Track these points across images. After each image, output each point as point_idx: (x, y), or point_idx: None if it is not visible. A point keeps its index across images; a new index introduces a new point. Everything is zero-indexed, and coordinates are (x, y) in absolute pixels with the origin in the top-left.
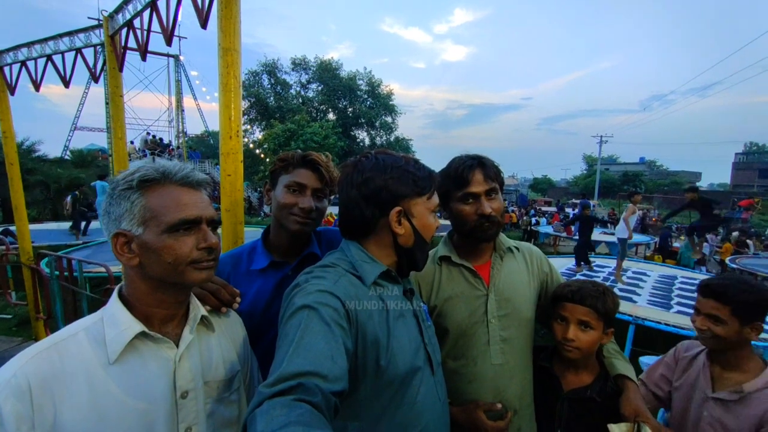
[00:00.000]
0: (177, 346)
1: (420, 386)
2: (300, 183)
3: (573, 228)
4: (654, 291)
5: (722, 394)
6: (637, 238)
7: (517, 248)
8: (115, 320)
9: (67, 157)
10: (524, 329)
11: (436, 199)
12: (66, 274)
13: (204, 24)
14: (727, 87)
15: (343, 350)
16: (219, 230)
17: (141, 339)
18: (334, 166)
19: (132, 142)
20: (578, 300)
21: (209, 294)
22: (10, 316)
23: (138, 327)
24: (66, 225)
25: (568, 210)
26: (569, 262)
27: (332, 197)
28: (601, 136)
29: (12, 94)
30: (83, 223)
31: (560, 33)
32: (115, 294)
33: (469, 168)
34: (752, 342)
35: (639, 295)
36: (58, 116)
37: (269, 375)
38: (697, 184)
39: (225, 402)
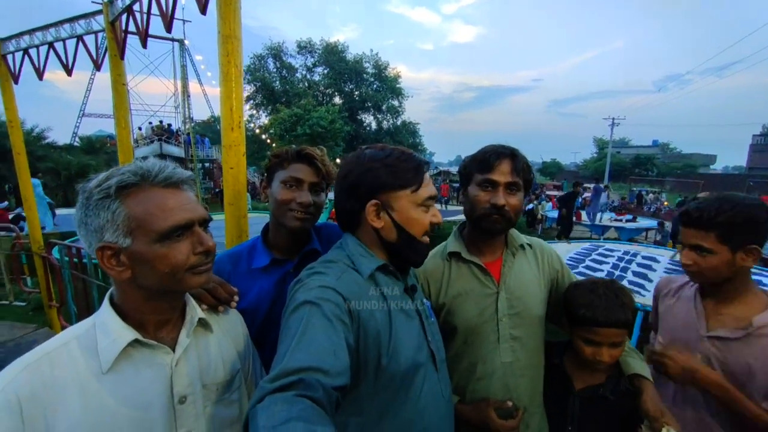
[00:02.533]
0: (173, 350)
1: (423, 383)
2: (296, 178)
3: (582, 213)
4: (665, 275)
5: (722, 331)
6: (647, 223)
7: (529, 245)
8: (106, 328)
9: (76, 143)
10: (535, 327)
11: (424, 192)
12: (76, 261)
13: (203, 10)
14: (748, 66)
15: (345, 345)
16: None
17: (135, 346)
18: (331, 158)
19: (140, 128)
20: (612, 324)
21: (206, 293)
22: (24, 304)
23: (130, 335)
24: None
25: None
26: (576, 247)
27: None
28: (613, 119)
29: (16, 83)
30: None
31: (572, 11)
32: (106, 300)
33: (498, 155)
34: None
35: (650, 281)
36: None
37: (271, 370)
38: (712, 166)
39: (225, 403)
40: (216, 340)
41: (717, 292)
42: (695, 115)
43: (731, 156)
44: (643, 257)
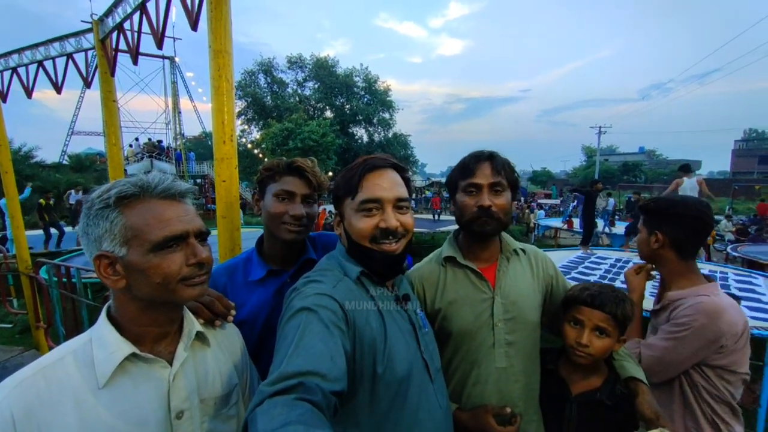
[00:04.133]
0: (171, 364)
1: (419, 393)
2: (288, 191)
3: (575, 222)
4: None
5: (655, 306)
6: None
7: (523, 251)
8: (103, 342)
9: (65, 162)
10: (530, 333)
11: (360, 196)
12: (65, 280)
13: (194, 26)
14: (727, 74)
15: (342, 351)
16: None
17: (132, 360)
18: (323, 171)
19: (131, 145)
20: (598, 305)
21: (203, 307)
22: (11, 325)
23: (127, 349)
24: (67, 230)
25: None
26: (570, 255)
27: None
28: (600, 127)
29: (4, 101)
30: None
31: (558, 23)
32: (103, 313)
33: (477, 159)
34: None
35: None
36: (54, 121)
37: (269, 375)
38: (698, 172)
39: (223, 418)
40: (213, 354)
41: (663, 278)
42: (679, 122)
43: (716, 161)
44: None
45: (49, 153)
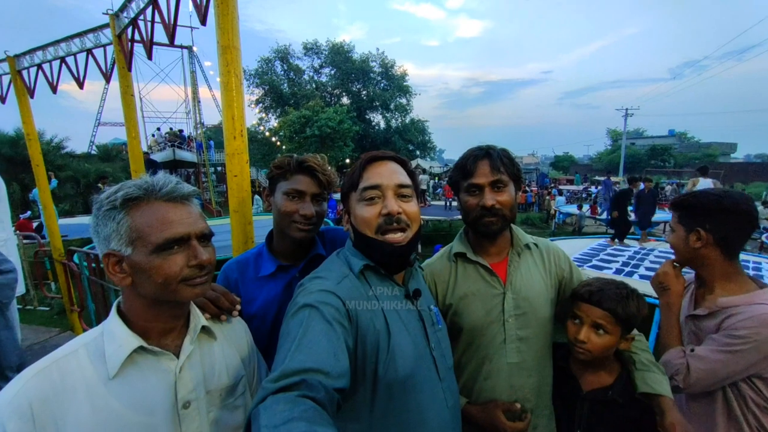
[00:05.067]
0: (177, 357)
1: (423, 392)
2: (298, 190)
3: (599, 207)
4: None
5: (698, 310)
6: (666, 216)
7: (535, 245)
8: (113, 336)
9: (93, 152)
10: (542, 328)
11: (362, 184)
12: (94, 266)
13: (203, 20)
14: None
15: (345, 348)
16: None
17: (140, 353)
18: (341, 158)
19: (153, 135)
20: (595, 302)
21: (209, 302)
22: (47, 308)
23: (135, 342)
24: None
25: (593, 189)
26: (592, 243)
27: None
28: (627, 109)
29: (32, 97)
30: None
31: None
32: (113, 309)
33: (474, 159)
34: None
35: None
36: (82, 112)
37: (272, 371)
38: (733, 155)
39: (229, 408)
40: (220, 347)
41: (702, 280)
42: (714, 103)
43: (753, 143)
44: (659, 254)
45: (78, 143)
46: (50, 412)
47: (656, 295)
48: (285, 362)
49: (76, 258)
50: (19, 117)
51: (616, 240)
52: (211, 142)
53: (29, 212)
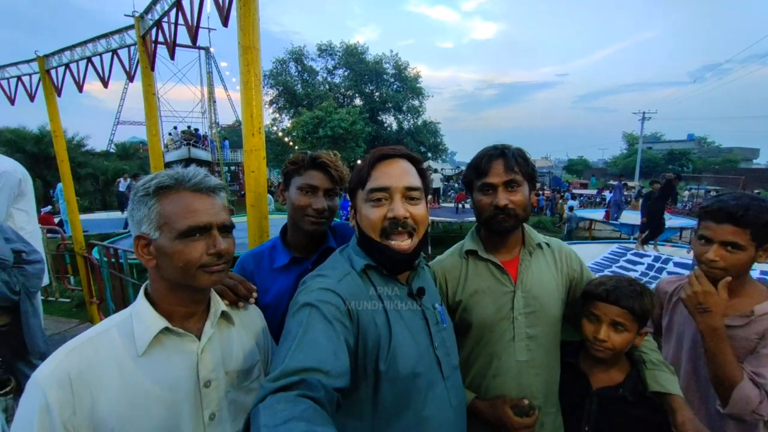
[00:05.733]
0: (199, 339)
1: (426, 392)
2: (312, 185)
3: (612, 212)
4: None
5: (729, 320)
6: (682, 222)
7: (547, 244)
8: (141, 317)
9: (111, 150)
10: (551, 327)
11: (369, 184)
12: (113, 261)
13: (225, 22)
14: None
15: (345, 347)
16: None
17: (165, 334)
18: (353, 158)
19: (170, 134)
20: (613, 300)
21: (227, 289)
22: (68, 300)
23: (162, 323)
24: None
25: (606, 194)
26: (606, 249)
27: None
28: (644, 113)
29: (59, 95)
30: None
31: (599, 1)
32: (141, 292)
33: (489, 158)
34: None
35: None
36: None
37: (271, 370)
38: (755, 161)
39: (245, 390)
40: (237, 332)
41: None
42: (735, 107)
43: None
44: (675, 264)
45: (97, 141)
46: (86, 383)
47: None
48: (285, 361)
49: (95, 252)
50: (42, 115)
51: (647, 244)
52: (226, 142)
53: (50, 206)
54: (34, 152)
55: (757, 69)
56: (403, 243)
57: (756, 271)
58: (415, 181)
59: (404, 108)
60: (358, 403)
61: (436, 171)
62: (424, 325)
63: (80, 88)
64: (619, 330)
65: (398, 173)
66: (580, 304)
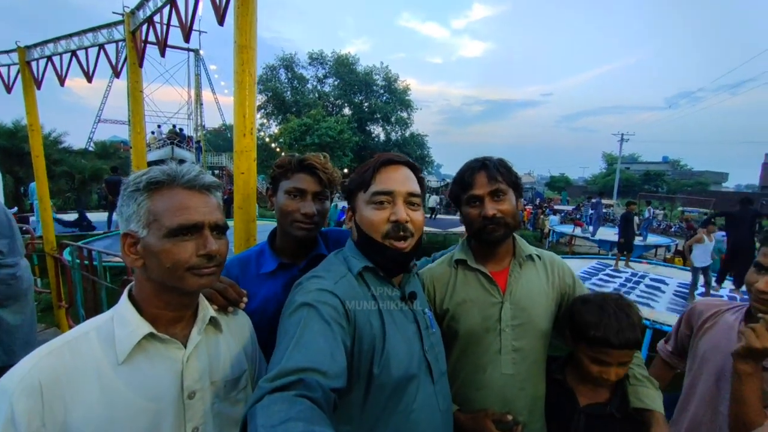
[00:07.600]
0: (185, 346)
1: (416, 395)
2: (300, 188)
3: (587, 224)
4: (674, 297)
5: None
6: (657, 240)
7: (538, 256)
8: (124, 321)
9: (90, 148)
10: (539, 340)
11: (373, 187)
12: (86, 263)
13: (221, 21)
14: (762, 84)
15: (342, 348)
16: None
17: (149, 340)
18: (339, 167)
19: (153, 133)
20: (622, 345)
21: (217, 293)
22: (35, 303)
23: (146, 328)
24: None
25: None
26: (586, 264)
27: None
28: (623, 134)
29: (38, 88)
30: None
31: (583, 28)
32: (125, 294)
33: (472, 171)
34: None
35: (656, 301)
36: (82, 108)
37: (269, 370)
38: (724, 184)
39: (232, 401)
40: (225, 339)
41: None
42: (707, 133)
43: (744, 174)
44: (652, 279)
45: (75, 139)
46: (60, 392)
47: (646, 317)
48: (282, 361)
49: (67, 253)
50: (18, 109)
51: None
52: (200, 144)
53: (16, 208)
54: (6, 147)
55: (728, 98)
56: (401, 242)
57: None
58: (416, 187)
59: (393, 119)
60: (349, 405)
61: (433, 194)
62: (415, 329)
63: (62, 82)
64: (626, 365)
65: (402, 179)
66: (567, 318)
